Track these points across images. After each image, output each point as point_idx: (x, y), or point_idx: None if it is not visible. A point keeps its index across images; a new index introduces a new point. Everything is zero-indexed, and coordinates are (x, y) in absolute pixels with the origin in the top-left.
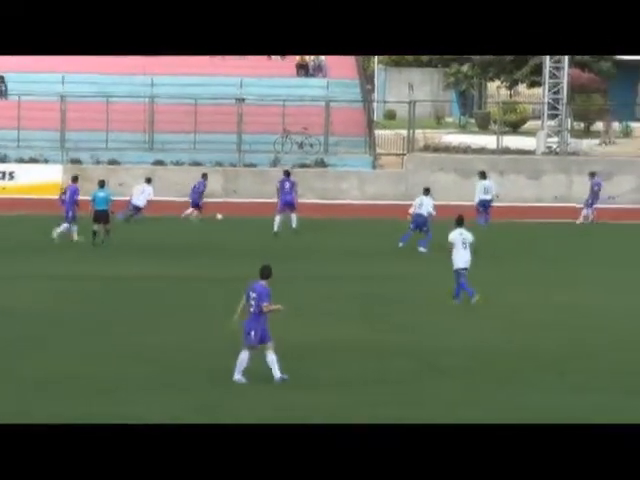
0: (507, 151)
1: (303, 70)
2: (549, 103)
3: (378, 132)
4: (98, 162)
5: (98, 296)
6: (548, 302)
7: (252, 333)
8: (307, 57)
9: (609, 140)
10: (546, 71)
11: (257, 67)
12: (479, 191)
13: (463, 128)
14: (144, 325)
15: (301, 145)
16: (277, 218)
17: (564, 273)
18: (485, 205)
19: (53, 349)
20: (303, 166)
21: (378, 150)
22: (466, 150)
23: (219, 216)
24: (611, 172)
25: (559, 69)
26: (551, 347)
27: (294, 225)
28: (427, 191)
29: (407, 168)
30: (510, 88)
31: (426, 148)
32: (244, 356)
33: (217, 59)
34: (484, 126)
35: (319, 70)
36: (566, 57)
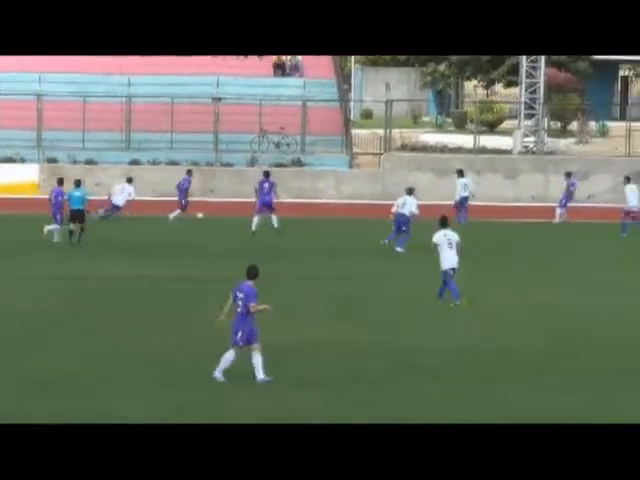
0: (484, 150)
1: (280, 70)
2: (526, 103)
3: (355, 131)
4: (75, 162)
5: (81, 296)
6: (527, 302)
7: (239, 333)
8: (284, 57)
9: (585, 139)
10: (523, 71)
11: (234, 66)
12: (460, 188)
13: (440, 127)
14: (136, 325)
15: (278, 145)
16: (255, 218)
17: (542, 273)
18: (463, 203)
19: (42, 349)
20: (280, 166)
21: (355, 149)
22: (443, 149)
23: (200, 215)
24: (588, 171)
25: (536, 69)
26: (530, 346)
27: (275, 225)
28: (410, 191)
29: (384, 167)
30: (487, 88)
31: (403, 147)
32: (229, 356)
33: (194, 58)
34: (461, 125)
35: (296, 70)
36: (542, 57)
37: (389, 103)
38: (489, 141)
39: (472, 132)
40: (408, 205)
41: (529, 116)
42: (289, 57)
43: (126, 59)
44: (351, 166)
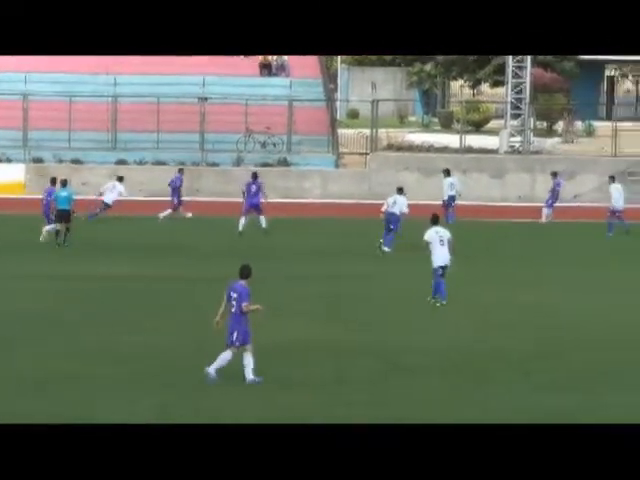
0: (470, 150)
1: (266, 69)
2: (512, 102)
3: (341, 131)
4: (61, 161)
5: (67, 296)
6: (514, 302)
7: (235, 334)
8: (270, 56)
9: (571, 139)
10: (509, 70)
11: (220, 66)
12: (447, 187)
13: (426, 127)
14: (122, 325)
15: (264, 144)
16: (242, 219)
17: (529, 273)
18: (450, 202)
19: (28, 349)
20: (266, 165)
21: (341, 149)
22: (429, 149)
23: (189, 214)
24: (574, 171)
25: (522, 69)
26: (518, 346)
27: (264, 225)
28: (400, 190)
29: (370, 167)
30: (473, 87)
31: (389, 147)
32: (226, 355)
33: (180, 58)
34: (447, 125)
35: (282, 69)
36: (529, 57)
37: (375, 103)
38: (475, 141)
39: (458, 132)
40: (399, 204)
41: (515, 116)
42: (275, 57)
43: (112, 59)
44: (337, 166)
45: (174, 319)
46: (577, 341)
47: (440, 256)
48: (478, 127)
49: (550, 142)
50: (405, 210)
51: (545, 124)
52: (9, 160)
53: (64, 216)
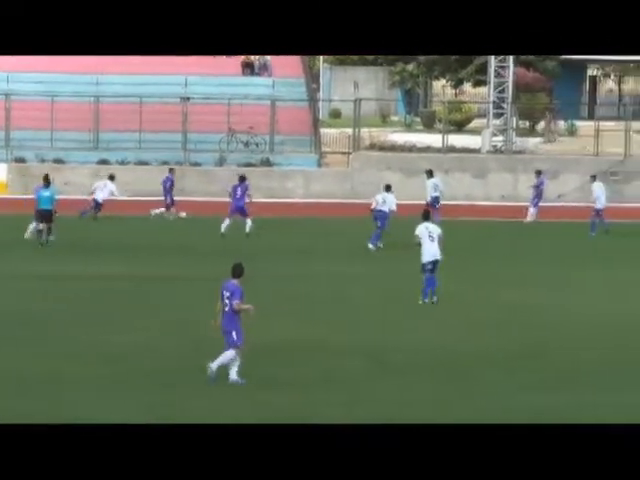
0: (452, 150)
1: (248, 69)
2: (494, 102)
3: (323, 131)
4: (43, 161)
5: (51, 296)
6: (499, 301)
7: (233, 333)
8: (252, 56)
9: (553, 138)
10: (491, 70)
11: (202, 65)
12: (431, 189)
13: (408, 127)
14: (106, 325)
15: (247, 144)
16: (226, 221)
17: (514, 272)
18: (435, 202)
19: (13, 348)
20: (249, 165)
21: (324, 149)
22: (411, 149)
23: (182, 214)
24: (557, 171)
25: (504, 68)
26: (503, 345)
27: (247, 230)
28: (389, 188)
29: (353, 167)
30: (455, 87)
31: (372, 147)
32: (230, 354)
33: (162, 57)
34: (429, 125)
35: (264, 69)
36: (511, 56)
37: (358, 102)
38: (458, 140)
39: (441, 131)
40: (388, 202)
41: (497, 115)
42: (257, 56)
43: (94, 58)
44: (320, 165)
45: (162, 318)
46: (561, 340)
47: (429, 252)
48: (460, 127)
49: (532, 142)
50: (394, 208)
51: (527, 124)
52: None
53: (46, 216)
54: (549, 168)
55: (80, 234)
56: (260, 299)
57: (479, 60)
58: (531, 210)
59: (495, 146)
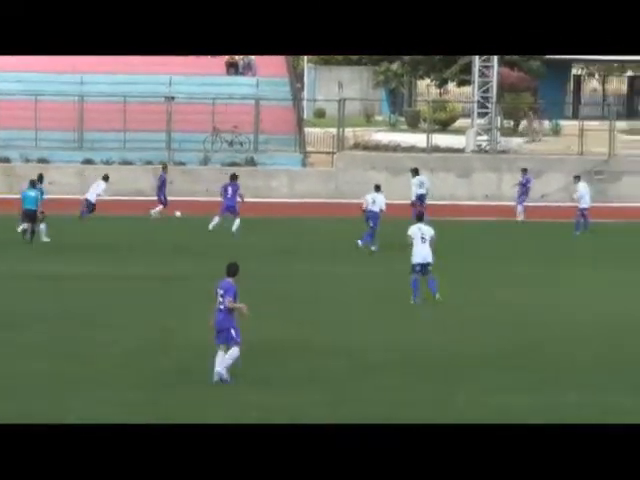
0: (437, 149)
1: (233, 68)
2: (479, 101)
3: (308, 130)
4: (27, 161)
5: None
6: (486, 300)
7: (232, 331)
8: (237, 56)
9: (538, 138)
10: (475, 70)
11: (186, 65)
12: (416, 186)
13: (393, 126)
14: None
15: (231, 143)
16: (216, 218)
17: (499, 271)
18: (422, 199)
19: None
20: (233, 165)
21: (308, 148)
22: (396, 148)
23: (178, 213)
24: (541, 170)
25: (488, 68)
26: (489, 344)
27: (233, 229)
28: (378, 188)
29: (337, 166)
30: (440, 86)
31: (356, 146)
32: (235, 353)
33: (146, 57)
34: (414, 124)
35: (249, 68)
36: (495, 56)
37: (342, 102)
38: (442, 140)
39: (425, 131)
40: (378, 202)
41: (482, 115)
42: (242, 56)
43: (78, 58)
44: (304, 165)
45: (143, 318)
46: (546, 340)
47: (419, 253)
48: (445, 126)
49: (516, 141)
50: (383, 207)
51: (512, 123)
52: None
53: (30, 215)
54: (533, 168)
55: (64, 234)
56: (244, 299)
57: (463, 60)
58: (519, 208)
59: (479, 146)
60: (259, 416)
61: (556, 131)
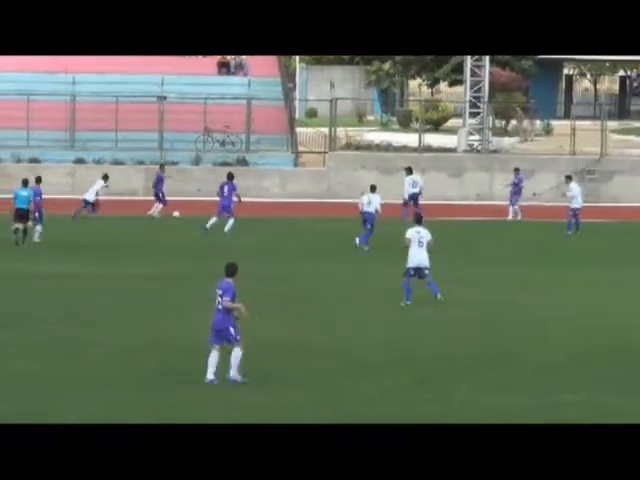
0: (429, 149)
1: (224, 68)
2: (470, 101)
3: (300, 130)
4: (19, 160)
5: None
6: (475, 300)
7: (231, 330)
8: (228, 55)
9: (531, 137)
10: (467, 69)
11: (178, 65)
12: (408, 185)
13: (385, 126)
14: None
15: (223, 143)
16: (213, 218)
17: (490, 271)
18: (415, 198)
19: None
20: (225, 164)
21: (300, 148)
22: (388, 148)
23: (176, 213)
24: (532, 170)
25: (480, 67)
26: (479, 345)
27: (226, 228)
28: (374, 188)
29: (329, 166)
30: (431, 86)
31: (348, 146)
32: (236, 353)
33: (139, 57)
34: (406, 124)
35: (240, 68)
36: (487, 56)
37: (334, 102)
38: (434, 139)
39: (417, 131)
40: (374, 203)
41: (474, 114)
42: (233, 56)
43: (70, 58)
44: (296, 165)
45: (143, 318)
46: (536, 340)
47: (415, 257)
48: (437, 126)
49: (508, 141)
50: (378, 208)
51: (503, 123)
52: None
53: (22, 215)
54: (525, 167)
55: (58, 234)
56: (243, 299)
57: (455, 59)
58: (511, 208)
59: (471, 145)
60: (259, 416)
61: (548, 131)
